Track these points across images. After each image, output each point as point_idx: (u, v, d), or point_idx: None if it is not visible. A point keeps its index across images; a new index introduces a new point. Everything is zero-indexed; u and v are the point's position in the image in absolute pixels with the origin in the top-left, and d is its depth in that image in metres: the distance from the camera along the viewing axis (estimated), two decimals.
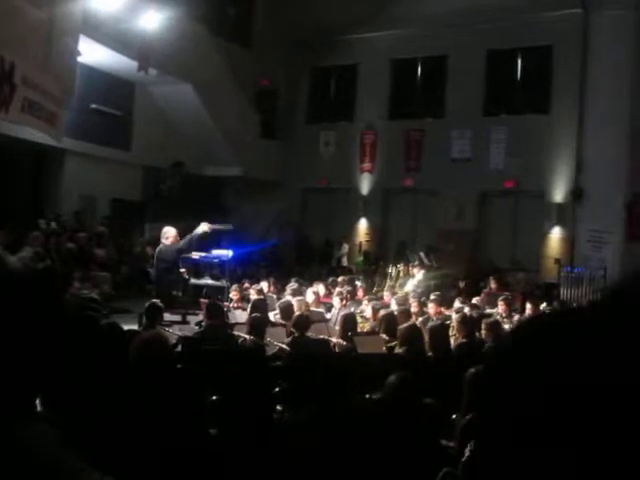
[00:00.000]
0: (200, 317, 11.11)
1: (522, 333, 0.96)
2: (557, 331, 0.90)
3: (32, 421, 1.63)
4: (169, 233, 11.93)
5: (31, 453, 1.55)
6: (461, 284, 17.90)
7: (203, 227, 12.15)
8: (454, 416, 6.00)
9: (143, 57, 18.40)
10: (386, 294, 14.19)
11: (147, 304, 8.94)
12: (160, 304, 9.00)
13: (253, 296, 12.20)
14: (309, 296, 12.53)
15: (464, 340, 9.07)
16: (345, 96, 25.72)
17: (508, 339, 0.96)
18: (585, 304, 0.97)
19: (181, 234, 12.34)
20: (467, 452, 4.78)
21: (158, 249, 12.05)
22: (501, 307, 12.31)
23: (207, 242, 13.62)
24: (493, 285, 16.49)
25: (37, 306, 1.73)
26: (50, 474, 1.56)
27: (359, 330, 10.30)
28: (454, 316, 10.48)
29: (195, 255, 12.71)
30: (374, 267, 20.96)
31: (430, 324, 9.75)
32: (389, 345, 9.23)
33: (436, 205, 23.39)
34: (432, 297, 12.32)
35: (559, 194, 21.53)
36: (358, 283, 15.83)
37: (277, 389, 7.18)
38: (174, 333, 8.73)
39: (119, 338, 6.16)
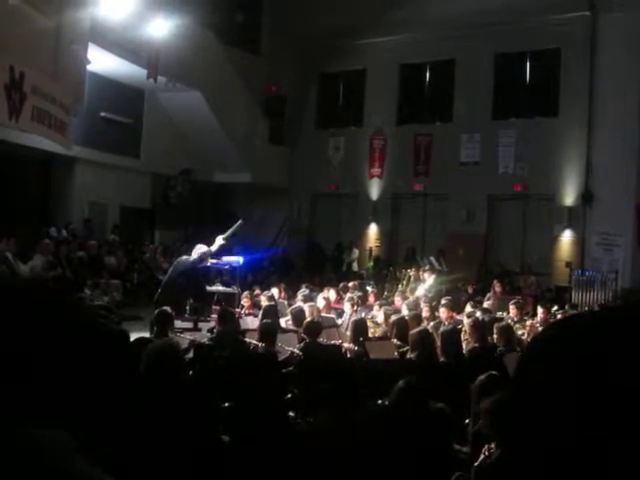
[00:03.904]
0: (212, 324, 11.10)
1: (550, 333, 0.95)
2: (585, 331, 0.89)
3: (45, 427, 1.63)
4: (202, 250, 11.94)
5: (42, 458, 1.55)
6: (469, 289, 17.83)
7: (219, 242, 12.12)
8: (467, 421, 5.98)
9: (152, 65, 18.44)
10: (397, 299, 14.15)
11: (156, 312, 8.93)
12: (169, 311, 8.99)
13: (264, 302, 12.16)
14: (320, 302, 12.49)
15: (476, 345, 9.04)
16: (353, 101, 25.72)
17: (538, 339, 0.96)
18: (612, 305, 0.97)
19: (189, 239, 12.36)
20: (481, 456, 4.77)
21: (181, 260, 12.02)
22: (512, 311, 12.26)
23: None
24: (498, 289, 16.44)
25: (48, 314, 1.72)
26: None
27: (370, 335, 10.27)
28: (466, 320, 10.44)
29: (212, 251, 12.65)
30: (384, 272, 20.92)
31: (442, 329, 9.71)
32: (401, 350, 9.20)
33: (445, 209, 23.35)
34: (443, 302, 12.26)
35: (569, 197, 21.46)
36: (369, 288, 15.79)
37: (289, 395, 7.17)
38: (186, 338, 8.73)
39: (129, 345, 6.16)
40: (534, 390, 0.90)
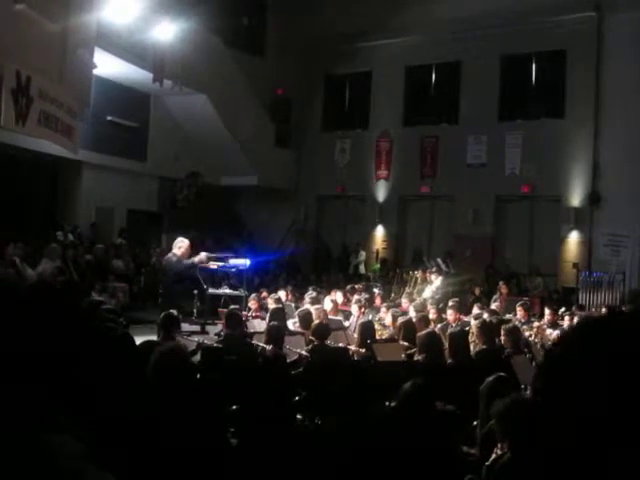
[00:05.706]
0: (219, 327, 11.10)
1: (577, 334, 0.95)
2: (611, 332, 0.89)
3: (55, 432, 1.62)
4: (182, 243, 11.77)
5: (52, 464, 1.55)
6: (476, 290, 17.82)
7: (201, 257, 12.03)
8: (475, 422, 5.97)
9: (158, 68, 18.47)
10: (404, 301, 14.14)
11: (162, 315, 8.92)
12: (175, 314, 8.98)
13: (271, 305, 12.16)
14: (327, 304, 12.49)
15: (484, 346, 9.03)
16: (360, 103, 25.72)
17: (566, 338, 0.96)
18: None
19: (194, 243, 12.36)
20: (493, 456, 4.76)
21: (167, 258, 11.96)
22: (519, 312, 12.25)
23: (224, 251, 13.60)
24: (504, 290, 16.43)
25: (57, 318, 1.73)
26: None
27: (378, 337, 10.27)
28: (473, 322, 10.43)
29: (213, 265, 12.62)
30: (391, 274, 20.90)
31: (450, 330, 9.70)
32: (408, 352, 9.20)
33: (452, 211, 23.32)
34: (450, 303, 12.25)
35: (576, 198, 21.39)
36: (376, 290, 15.79)
37: (297, 398, 7.16)
38: (193, 341, 8.73)
39: (132, 348, 6.17)
40: (563, 390, 0.90)
